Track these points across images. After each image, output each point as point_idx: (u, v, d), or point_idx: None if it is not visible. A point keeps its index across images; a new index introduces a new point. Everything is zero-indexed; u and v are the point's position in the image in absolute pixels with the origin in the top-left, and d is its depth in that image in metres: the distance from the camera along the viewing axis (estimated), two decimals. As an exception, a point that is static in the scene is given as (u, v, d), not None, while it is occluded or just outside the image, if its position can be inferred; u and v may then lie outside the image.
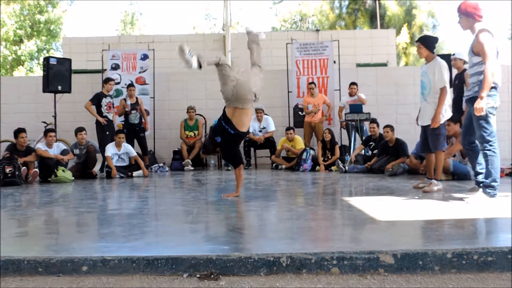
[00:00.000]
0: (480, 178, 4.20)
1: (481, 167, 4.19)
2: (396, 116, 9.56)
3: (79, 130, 7.34)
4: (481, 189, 4.01)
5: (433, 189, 4.61)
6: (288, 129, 8.39)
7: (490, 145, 3.92)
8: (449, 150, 5.74)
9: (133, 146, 7.94)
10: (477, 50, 3.92)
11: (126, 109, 8.21)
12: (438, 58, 4.71)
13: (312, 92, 8.67)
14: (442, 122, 4.61)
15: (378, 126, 7.57)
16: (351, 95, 8.65)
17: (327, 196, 4.81)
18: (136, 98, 8.45)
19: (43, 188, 5.95)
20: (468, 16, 4.00)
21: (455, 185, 5.17)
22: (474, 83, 4.01)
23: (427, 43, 4.73)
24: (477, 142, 4.11)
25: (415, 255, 2.28)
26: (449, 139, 5.94)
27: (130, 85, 8.59)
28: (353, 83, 8.67)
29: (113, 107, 8.16)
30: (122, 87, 9.24)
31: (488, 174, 3.95)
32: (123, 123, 8.41)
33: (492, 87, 3.83)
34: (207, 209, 4.07)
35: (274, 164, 8.38)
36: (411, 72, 10.21)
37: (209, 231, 3.08)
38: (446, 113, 4.66)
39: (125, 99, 8.35)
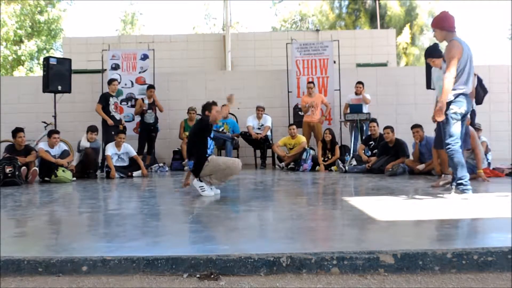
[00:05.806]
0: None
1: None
2: (396, 116, 9.56)
3: (92, 130, 7.40)
4: (453, 188, 4.19)
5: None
6: (290, 125, 8.34)
7: (449, 144, 4.09)
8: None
9: (146, 144, 8.45)
10: (445, 58, 4.20)
11: (143, 108, 8.46)
12: None
13: (310, 91, 8.66)
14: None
15: (378, 125, 7.64)
16: (356, 93, 8.69)
17: (327, 196, 4.81)
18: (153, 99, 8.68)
19: (43, 188, 5.95)
20: (442, 29, 4.24)
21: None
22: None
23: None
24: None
25: (415, 255, 2.28)
26: None
27: (151, 86, 8.79)
28: (359, 82, 8.72)
29: (119, 106, 8.35)
30: (122, 87, 9.27)
31: (454, 173, 4.19)
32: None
33: (460, 94, 4.08)
34: (207, 209, 4.06)
35: (274, 157, 8.42)
36: (411, 72, 10.22)
37: (209, 231, 3.07)
38: None
39: (143, 99, 8.61)
